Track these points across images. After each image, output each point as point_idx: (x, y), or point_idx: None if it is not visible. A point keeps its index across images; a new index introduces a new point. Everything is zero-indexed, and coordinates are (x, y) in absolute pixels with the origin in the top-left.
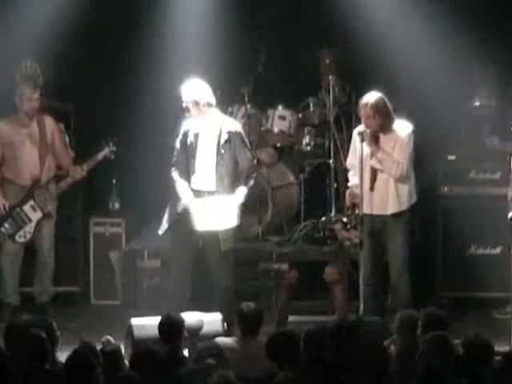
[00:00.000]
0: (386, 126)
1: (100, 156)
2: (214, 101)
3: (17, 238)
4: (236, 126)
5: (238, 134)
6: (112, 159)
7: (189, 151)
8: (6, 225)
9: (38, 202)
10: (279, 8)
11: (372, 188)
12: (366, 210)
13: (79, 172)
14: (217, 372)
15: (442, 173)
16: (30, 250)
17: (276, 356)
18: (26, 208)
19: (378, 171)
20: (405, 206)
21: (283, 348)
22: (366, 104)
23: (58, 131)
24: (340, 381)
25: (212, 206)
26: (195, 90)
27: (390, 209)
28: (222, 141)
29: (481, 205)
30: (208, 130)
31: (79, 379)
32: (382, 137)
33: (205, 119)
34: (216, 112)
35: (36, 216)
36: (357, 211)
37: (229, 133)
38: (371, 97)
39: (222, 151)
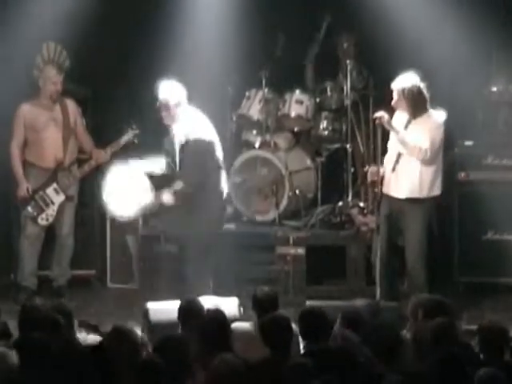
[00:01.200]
0: (415, 114)
1: (123, 140)
2: (184, 101)
3: (39, 220)
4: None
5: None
6: (135, 143)
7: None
8: (29, 208)
9: (61, 184)
10: None
11: (394, 169)
12: (385, 190)
13: (103, 156)
14: (220, 357)
15: (459, 158)
16: (50, 232)
17: (269, 341)
18: (49, 191)
19: (401, 154)
20: (425, 194)
21: (275, 334)
22: (393, 89)
23: (80, 115)
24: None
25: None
26: (166, 91)
27: (409, 193)
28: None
29: (497, 190)
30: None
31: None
32: (413, 122)
33: (176, 121)
34: (186, 115)
35: (59, 199)
36: (376, 190)
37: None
38: (400, 82)
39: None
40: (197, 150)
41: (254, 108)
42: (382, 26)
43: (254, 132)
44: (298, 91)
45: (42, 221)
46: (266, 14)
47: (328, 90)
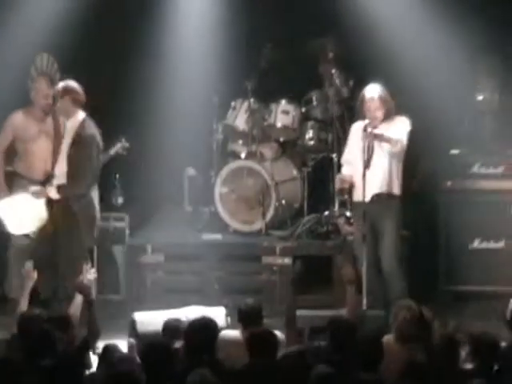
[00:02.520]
0: (389, 115)
1: (112, 152)
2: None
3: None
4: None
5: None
6: (124, 155)
7: None
8: None
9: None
10: (282, 2)
11: (364, 175)
12: (357, 198)
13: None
14: (196, 371)
15: (445, 167)
16: None
17: (254, 354)
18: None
19: (371, 159)
20: (395, 191)
21: (260, 347)
22: (372, 98)
23: None
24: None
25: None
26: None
27: (379, 190)
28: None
29: (484, 199)
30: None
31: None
32: (384, 125)
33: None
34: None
35: (47, 211)
36: (345, 197)
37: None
38: (376, 89)
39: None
40: (92, 151)
41: (239, 118)
42: (369, 37)
43: (240, 142)
44: (283, 101)
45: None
46: (252, 25)
47: (314, 99)
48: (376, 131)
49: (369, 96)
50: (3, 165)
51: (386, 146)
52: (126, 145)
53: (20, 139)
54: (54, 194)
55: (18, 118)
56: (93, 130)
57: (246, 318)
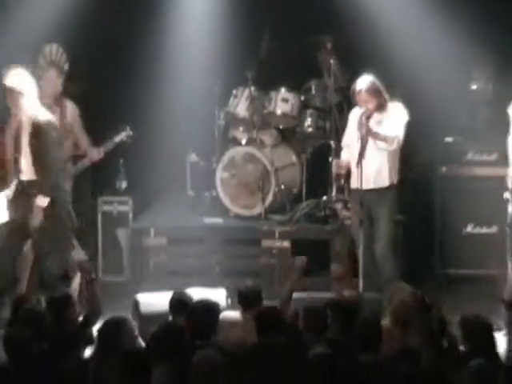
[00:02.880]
0: (381, 106)
1: (117, 139)
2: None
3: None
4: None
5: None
6: (128, 143)
7: None
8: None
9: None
10: None
11: (359, 163)
12: (354, 185)
13: (97, 154)
14: (201, 351)
15: (440, 154)
16: None
17: (263, 331)
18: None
19: (365, 149)
20: (393, 181)
21: (269, 324)
22: (360, 90)
23: (78, 116)
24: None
25: None
26: (10, 77)
27: (375, 184)
28: None
29: (477, 185)
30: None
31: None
32: (378, 116)
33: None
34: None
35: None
36: (342, 181)
37: None
38: (363, 82)
39: None
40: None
41: (240, 106)
42: (369, 28)
43: (241, 129)
44: (283, 89)
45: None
46: (253, 15)
47: (313, 88)
48: (371, 124)
49: (357, 89)
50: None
51: (381, 144)
52: (130, 133)
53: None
54: (43, 202)
55: None
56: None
57: (245, 299)
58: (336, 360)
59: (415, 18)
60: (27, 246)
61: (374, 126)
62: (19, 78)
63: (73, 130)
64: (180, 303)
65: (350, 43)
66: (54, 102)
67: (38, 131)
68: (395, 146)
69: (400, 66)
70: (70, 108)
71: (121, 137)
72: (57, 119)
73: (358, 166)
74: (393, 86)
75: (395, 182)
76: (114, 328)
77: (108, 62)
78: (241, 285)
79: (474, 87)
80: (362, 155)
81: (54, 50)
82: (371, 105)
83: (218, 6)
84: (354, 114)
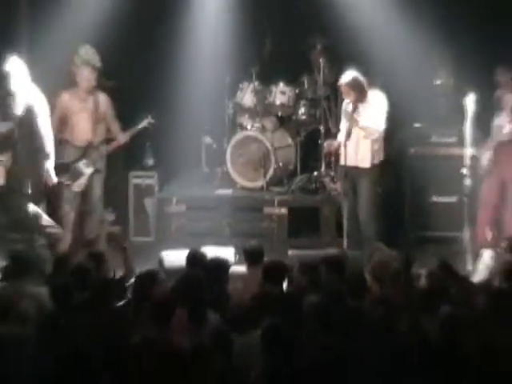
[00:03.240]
0: (361, 98)
1: (140, 126)
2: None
3: (74, 187)
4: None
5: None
6: (150, 128)
7: None
8: (65, 177)
9: (90, 159)
10: (282, 4)
11: (346, 144)
12: (342, 161)
13: (124, 137)
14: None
15: (410, 137)
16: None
17: (269, 279)
18: (81, 164)
19: (351, 132)
20: (375, 161)
21: (274, 273)
22: (341, 84)
23: (111, 106)
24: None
25: None
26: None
27: (361, 163)
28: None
29: (440, 162)
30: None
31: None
32: (360, 106)
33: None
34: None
35: (88, 171)
36: (332, 158)
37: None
38: (346, 77)
39: None
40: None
41: (246, 97)
42: (349, 32)
43: (247, 116)
44: (281, 84)
45: (76, 188)
46: (257, 22)
47: (305, 83)
48: (355, 116)
49: (340, 82)
50: (57, 134)
51: (363, 133)
52: (152, 121)
53: (66, 113)
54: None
55: (65, 97)
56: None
57: (250, 256)
58: (329, 306)
59: (390, 26)
60: (67, 209)
61: (358, 115)
62: None
63: (105, 117)
64: (196, 259)
65: (337, 45)
66: (88, 95)
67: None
68: (376, 136)
69: (379, 64)
70: (103, 99)
71: (143, 124)
72: (91, 109)
73: (343, 147)
74: (373, 76)
75: (376, 162)
76: (148, 278)
77: (135, 60)
78: (246, 244)
79: (438, 82)
80: (347, 138)
81: (87, 51)
82: (352, 97)
83: (229, 14)
84: (345, 103)
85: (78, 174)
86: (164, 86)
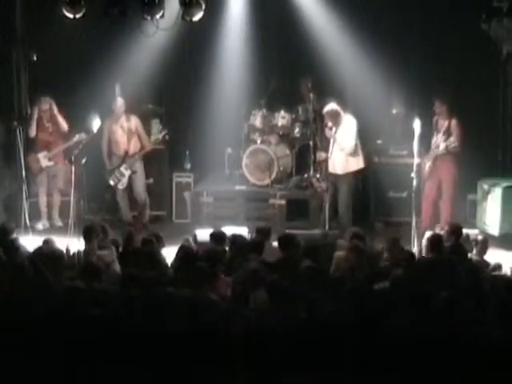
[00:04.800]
0: (338, 122)
1: (160, 136)
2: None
3: (119, 186)
4: None
5: None
6: (166, 139)
7: None
8: (111, 179)
9: (128, 164)
10: (281, 53)
11: (330, 156)
12: (329, 168)
13: (150, 146)
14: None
15: (374, 150)
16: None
17: (282, 247)
18: (122, 168)
19: (334, 146)
20: (349, 169)
21: (286, 244)
22: (324, 112)
23: (140, 124)
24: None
25: None
26: None
27: (340, 170)
28: None
29: (396, 168)
30: None
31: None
32: (338, 127)
33: None
34: None
35: (127, 173)
36: (322, 167)
37: None
38: (327, 107)
39: None
40: None
41: (257, 120)
42: (331, 72)
43: (257, 134)
44: (282, 111)
45: (120, 186)
46: (264, 67)
47: (299, 110)
48: (333, 133)
49: (324, 111)
50: (107, 150)
51: (339, 145)
52: (167, 134)
53: (109, 132)
54: None
55: (108, 122)
56: None
57: (261, 233)
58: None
59: (360, 65)
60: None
61: (336, 135)
62: None
63: (138, 133)
64: (218, 236)
65: (321, 82)
66: (121, 116)
67: None
68: (349, 150)
69: (351, 96)
70: (134, 120)
71: (161, 135)
72: (125, 128)
73: (330, 157)
74: (347, 104)
75: (350, 170)
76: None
77: (177, 90)
78: (258, 225)
79: (394, 111)
80: (330, 152)
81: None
82: (332, 121)
83: (245, 59)
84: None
85: (119, 176)
86: (199, 112)
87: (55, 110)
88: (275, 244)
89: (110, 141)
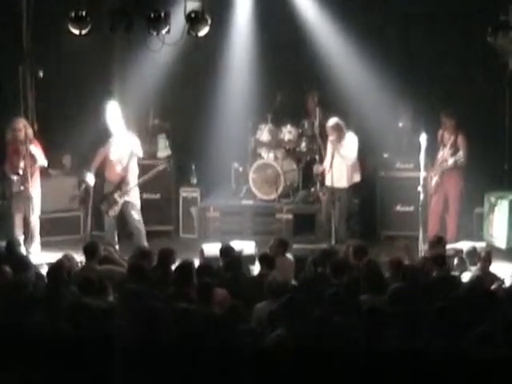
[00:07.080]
0: (340, 137)
1: (160, 168)
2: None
3: (110, 213)
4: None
5: None
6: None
7: None
8: (102, 205)
9: (122, 191)
10: (288, 68)
11: (330, 169)
12: (327, 182)
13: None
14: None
15: (380, 164)
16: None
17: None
18: (115, 195)
19: (334, 160)
20: (349, 182)
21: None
22: (327, 127)
23: (139, 145)
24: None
25: None
26: None
27: (339, 183)
28: None
29: (402, 182)
30: None
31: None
32: (340, 142)
33: None
34: None
35: (121, 200)
36: (319, 180)
37: None
38: (330, 121)
39: None
40: None
41: (263, 135)
42: (338, 87)
43: (264, 148)
44: (288, 125)
45: (112, 213)
46: (270, 81)
47: (306, 125)
48: (337, 148)
49: (327, 125)
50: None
51: (341, 159)
52: (167, 163)
53: (105, 159)
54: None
55: (106, 148)
56: None
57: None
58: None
59: (365, 79)
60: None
61: (339, 150)
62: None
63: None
64: (226, 251)
65: (326, 97)
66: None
67: None
68: (350, 162)
69: (356, 112)
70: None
71: (163, 166)
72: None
73: (328, 171)
74: (350, 121)
75: (351, 183)
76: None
77: (179, 104)
78: (264, 240)
79: (400, 124)
80: (331, 164)
81: (116, 108)
82: (334, 136)
83: (251, 73)
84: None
85: (112, 203)
86: (205, 127)
87: (31, 135)
88: (290, 256)
89: (104, 165)
